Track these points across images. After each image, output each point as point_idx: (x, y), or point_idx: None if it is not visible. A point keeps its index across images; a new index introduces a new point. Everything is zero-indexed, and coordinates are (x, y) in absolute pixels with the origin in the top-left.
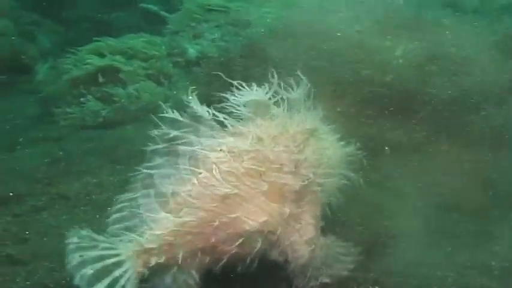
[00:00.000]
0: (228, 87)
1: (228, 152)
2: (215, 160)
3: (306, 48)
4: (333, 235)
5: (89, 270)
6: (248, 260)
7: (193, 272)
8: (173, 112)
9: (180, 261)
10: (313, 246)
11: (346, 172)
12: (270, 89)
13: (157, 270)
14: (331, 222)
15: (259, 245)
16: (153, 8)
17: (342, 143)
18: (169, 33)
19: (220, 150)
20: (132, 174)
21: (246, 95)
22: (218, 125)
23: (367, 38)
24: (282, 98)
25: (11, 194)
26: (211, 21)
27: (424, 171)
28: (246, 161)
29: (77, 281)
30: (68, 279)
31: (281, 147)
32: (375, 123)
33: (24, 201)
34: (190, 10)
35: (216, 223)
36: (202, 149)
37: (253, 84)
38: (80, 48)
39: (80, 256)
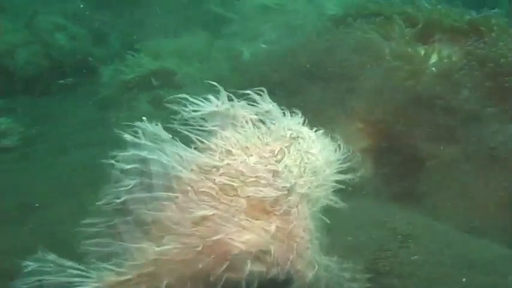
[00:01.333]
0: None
1: (199, 170)
2: (188, 181)
3: (341, 57)
4: (336, 255)
5: None
6: (244, 285)
7: None
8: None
9: None
10: (316, 265)
11: (339, 178)
12: (222, 99)
13: None
14: (334, 239)
15: (248, 267)
16: (217, 9)
17: (335, 148)
18: (228, 34)
19: (192, 170)
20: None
21: (201, 108)
22: (181, 143)
23: (401, 45)
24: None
25: (36, 205)
26: (269, 22)
27: (459, 190)
28: (218, 177)
29: None
30: None
31: (255, 159)
32: (405, 135)
33: (47, 211)
34: (250, 12)
35: (199, 248)
36: (174, 169)
37: (209, 95)
38: (139, 49)
39: (38, 281)
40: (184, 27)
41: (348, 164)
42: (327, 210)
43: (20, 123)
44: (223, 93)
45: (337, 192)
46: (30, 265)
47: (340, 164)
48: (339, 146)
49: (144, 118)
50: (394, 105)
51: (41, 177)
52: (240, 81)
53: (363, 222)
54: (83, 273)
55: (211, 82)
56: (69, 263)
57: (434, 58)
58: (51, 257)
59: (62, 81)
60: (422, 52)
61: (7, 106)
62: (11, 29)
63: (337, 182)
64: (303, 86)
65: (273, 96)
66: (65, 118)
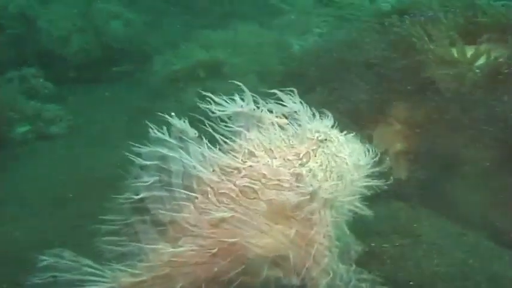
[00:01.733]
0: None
1: (220, 171)
2: (208, 182)
3: (382, 56)
4: (354, 264)
5: None
6: None
7: None
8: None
9: None
10: (331, 273)
11: (367, 183)
12: (247, 99)
13: None
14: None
15: (264, 271)
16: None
17: (365, 151)
18: (280, 26)
19: (213, 170)
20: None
21: (225, 108)
22: (206, 142)
23: (445, 45)
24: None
25: (70, 195)
26: (322, 15)
27: (496, 199)
28: (239, 179)
29: None
30: None
31: (279, 161)
32: (444, 139)
33: (78, 204)
34: (305, 3)
35: (215, 250)
36: (194, 169)
37: (236, 94)
38: (190, 39)
39: (52, 277)
40: (237, 17)
41: (378, 169)
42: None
43: (69, 110)
44: (248, 94)
45: (365, 196)
46: (46, 260)
47: (369, 168)
48: (370, 150)
49: (173, 114)
50: (434, 107)
51: (81, 168)
52: (284, 76)
53: (388, 227)
54: (98, 272)
55: (237, 82)
56: (86, 261)
57: (481, 59)
58: (68, 253)
59: (116, 69)
60: (469, 53)
61: (59, 93)
62: (66, 16)
63: (366, 187)
64: (343, 83)
65: (313, 93)
66: (114, 107)
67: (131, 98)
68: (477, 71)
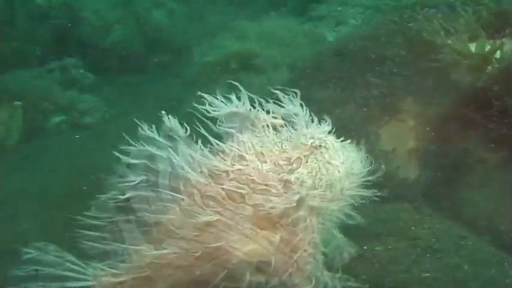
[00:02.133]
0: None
1: (209, 173)
2: (195, 184)
3: (399, 50)
4: (341, 272)
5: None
6: None
7: None
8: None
9: None
10: (313, 280)
11: (357, 192)
12: (243, 100)
13: None
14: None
15: (247, 277)
16: None
17: (360, 159)
18: (315, 18)
19: (201, 172)
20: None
21: (221, 108)
22: (195, 143)
23: (463, 40)
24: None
25: (84, 188)
26: (357, 6)
27: (506, 201)
28: (227, 182)
29: None
30: None
31: (268, 166)
32: (458, 136)
33: (90, 198)
34: None
35: (198, 254)
36: (182, 170)
37: (233, 94)
38: (226, 30)
39: (35, 270)
40: (278, 7)
41: (371, 178)
42: (347, 216)
43: (106, 101)
44: (244, 94)
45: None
46: (31, 253)
47: (363, 177)
48: (367, 158)
49: (163, 112)
50: (449, 103)
51: (102, 161)
52: (307, 69)
53: (384, 229)
54: (80, 269)
55: (233, 82)
56: (70, 257)
57: (497, 54)
58: (52, 247)
59: (156, 60)
60: (487, 47)
61: (98, 83)
62: (108, 6)
63: (358, 196)
64: (357, 79)
65: (326, 88)
66: (149, 98)
67: (168, 90)
68: (496, 65)
